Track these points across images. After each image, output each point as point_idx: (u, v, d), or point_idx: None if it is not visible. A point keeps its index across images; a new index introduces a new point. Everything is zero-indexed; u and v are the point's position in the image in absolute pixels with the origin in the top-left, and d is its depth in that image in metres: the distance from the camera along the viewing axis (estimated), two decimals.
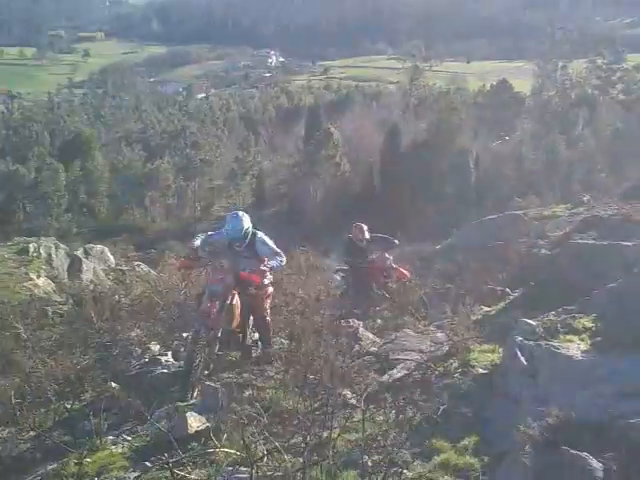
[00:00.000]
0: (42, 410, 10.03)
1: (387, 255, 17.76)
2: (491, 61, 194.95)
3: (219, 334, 10.24)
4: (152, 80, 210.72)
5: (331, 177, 76.91)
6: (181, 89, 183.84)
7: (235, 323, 10.65)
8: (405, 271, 17.93)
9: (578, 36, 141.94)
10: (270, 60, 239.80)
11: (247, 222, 10.87)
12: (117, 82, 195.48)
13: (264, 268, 10.70)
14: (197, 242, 11.11)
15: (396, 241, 18.02)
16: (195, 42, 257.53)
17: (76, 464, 7.79)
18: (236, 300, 10.55)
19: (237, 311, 10.61)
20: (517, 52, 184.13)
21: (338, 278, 18.89)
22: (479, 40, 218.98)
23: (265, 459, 6.99)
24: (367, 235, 17.77)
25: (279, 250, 11.09)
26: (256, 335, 11.54)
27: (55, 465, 8.15)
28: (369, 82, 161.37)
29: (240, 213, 11.09)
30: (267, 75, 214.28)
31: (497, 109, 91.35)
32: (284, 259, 11.24)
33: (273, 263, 10.83)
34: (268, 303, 11.42)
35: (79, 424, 9.24)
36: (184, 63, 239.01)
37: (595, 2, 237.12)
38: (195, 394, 9.67)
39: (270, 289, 11.44)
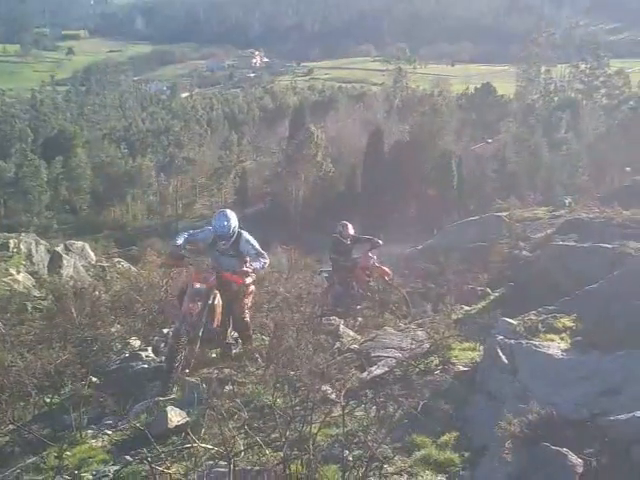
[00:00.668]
0: (21, 404, 9.99)
1: (371, 255, 17.79)
2: (475, 64, 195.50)
3: (200, 333, 10.22)
4: (136, 79, 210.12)
5: (313, 176, 76.99)
6: (165, 88, 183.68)
7: (216, 322, 10.61)
8: (387, 270, 17.95)
9: (562, 41, 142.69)
10: (254, 60, 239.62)
11: (234, 220, 10.82)
12: (101, 80, 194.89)
13: (247, 269, 10.66)
14: (179, 240, 11.00)
15: (380, 241, 18.01)
16: (180, 41, 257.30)
17: (56, 458, 7.77)
18: (218, 300, 10.53)
19: (218, 310, 10.58)
20: (501, 56, 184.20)
21: (320, 278, 18.96)
22: (464, 43, 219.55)
23: (244, 453, 6.98)
24: (351, 231, 17.80)
25: (263, 251, 11.05)
26: (236, 333, 11.53)
27: (35, 459, 8.11)
28: (353, 83, 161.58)
29: (228, 211, 11.05)
30: (251, 75, 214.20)
31: (480, 112, 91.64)
32: (267, 260, 11.18)
33: (256, 265, 10.79)
34: (249, 301, 11.36)
35: (59, 418, 9.20)
36: (168, 62, 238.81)
37: (579, 8, 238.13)
38: (175, 389, 9.65)
39: (252, 287, 11.40)
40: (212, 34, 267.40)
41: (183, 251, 10.99)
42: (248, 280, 10.99)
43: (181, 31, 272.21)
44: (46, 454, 8.03)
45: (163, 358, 10.75)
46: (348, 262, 17.65)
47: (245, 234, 10.97)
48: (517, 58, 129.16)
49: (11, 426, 9.09)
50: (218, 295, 10.51)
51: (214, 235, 10.94)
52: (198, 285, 10.28)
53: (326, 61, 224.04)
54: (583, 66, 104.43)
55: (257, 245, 11.00)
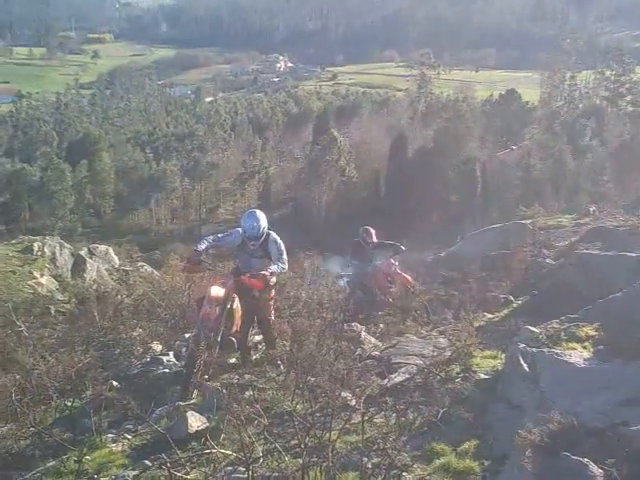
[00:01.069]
0: (43, 407, 10.03)
1: (393, 261, 17.70)
2: (499, 70, 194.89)
3: (219, 338, 10.21)
4: (160, 82, 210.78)
5: (337, 182, 76.91)
6: (189, 92, 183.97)
7: (235, 328, 10.61)
8: (409, 277, 17.86)
9: (587, 47, 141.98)
10: (279, 65, 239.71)
11: (264, 220, 10.83)
12: (125, 84, 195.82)
13: (265, 273, 10.66)
14: (202, 246, 10.96)
15: (403, 247, 17.89)
16: (204, 45, 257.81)
17: (76, 462, 7.80)
18: (236, 305, 10.52)
19: (237, 315, 10.57)
20: (526, 62, 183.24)
21: (342, 283, 18.92)
22: (488, 49, 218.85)
23: (263, 460, 6.98)
24: (375, 239, 17.71)
25: (285, 257, 11.03)
26: (256, 338, 11.52)
27: (55, 462, 8.15)
28: (377, 89, 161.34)
29: (257, 211, 11.06)
30: (275, 80, 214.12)
31: (505, 118, 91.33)
32: (286, 266, 11.17)
33: (274, 268, 10.76)
34: (272, 305, 11.38)
35: (79, 422, 9.23)
36: (193, 66, 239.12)
37: (604, 14, 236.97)
38: (195, 394, 9.65)
39: (273, 291, 11.39)
40: (236, 38, 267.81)
41: (203, 257, 10.99)
42: (272, 281, 11.00)
43: (205, 35, 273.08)
44: (66, 458, 8.06)
45: (183, 363, 10.77)
46: (369, 268, 17.59)
47: (273, 234, 10.98)
48: (541, 64, 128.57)
49: (32, 429, 9.13)
50: (237, 300, 10.49)
51: (243, 237, 10.94)
52: (216, 290, 10.28)
53: (350, 66, 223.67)
54: (608, 73, 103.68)
55: (283, 247, 11.00)
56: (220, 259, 16.70)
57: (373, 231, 17.83)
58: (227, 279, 10.55)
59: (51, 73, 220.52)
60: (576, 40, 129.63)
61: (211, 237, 11.30)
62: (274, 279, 11.16)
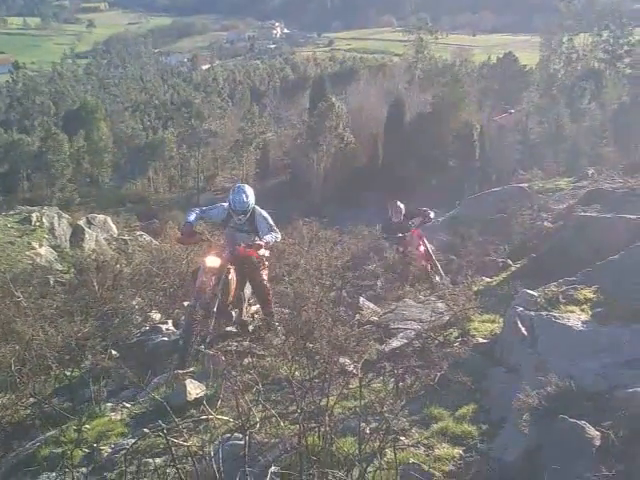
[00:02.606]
0: (42, 377, 10.07)
1: (418, 232, 17.49)
2: (497, 34, 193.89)
3: (215, 309, 10.24)
4: (156, 51, 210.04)
5: (335, 148, 76.49)
6: (185, 60, 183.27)
7: (231, 298, 10.66)
8: (423, 251, 17.58)
9: (584, 9, 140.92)
10: (275, 32, 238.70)
11: (252, 196, 10.89)
12: (121, 53, 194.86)
13: (260, 243, 10.69)
14: (191, 217, 11.02)
15: (432, 215, 17.68)
16: (200, 13, 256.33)
17: (75, 430, 7.83)
18: (232, 275, 10.56)
19: (233, 286, 10.64)
20: (523, 25, 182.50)
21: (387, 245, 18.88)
22: (485, 13, 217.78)
23: (260, 426, 7.00)
24: (402, 216, 17.57)
25: (275, 227, 11.13)
26: (253, 309, 11.55)
27: (55, 431, 8.18)
28: (374, 54, 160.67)
29: (246, 187, 11.10)
30: (272, 47, 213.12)
31: (503, 82, 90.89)
32: (279, 235, 11.34)
33: (268, 238, 10.85)
34: (265, 273, 11.40)
35: (79, 391, 9.29)
36: (189, 34, 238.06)
37: None
38: (193, 362, 9.68)
39: (266, 261, 11.43)
40: (232, 5, 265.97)
41: (196, 228, 11.05)
42: (262, 252, 11.02)
43: (201, 2, 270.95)
44: (66, 427, 8.11)
45: (181, 332, 10.80)
46: (399, 242, 17.45)
47: (259, 209, 11.04)
48: (539, 27, 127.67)
49: (32, 399, 9.20)
50: (232, 270, 10.53)
51: (229, 211, 10.95)
52: (212, 260, 10.30)
53: (347, 32, 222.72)
54: (606, 35, 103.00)
55: (271, 220, 11.06)
56: (216, 228, 16.69)
57: (402, 207, 17.63)
58: (223, 250, 10.57)
59: (46, 43, 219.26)
60: (574, 2, 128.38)
61: (198, 209, 11.37)
62: (265, 251, 11.20)
